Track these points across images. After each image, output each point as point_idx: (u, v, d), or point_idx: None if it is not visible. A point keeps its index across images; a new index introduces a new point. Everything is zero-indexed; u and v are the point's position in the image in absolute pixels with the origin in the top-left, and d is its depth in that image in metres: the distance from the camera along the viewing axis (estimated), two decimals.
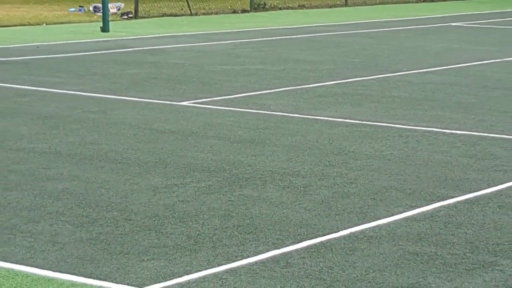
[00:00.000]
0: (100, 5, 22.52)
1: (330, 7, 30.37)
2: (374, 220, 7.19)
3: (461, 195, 7.93)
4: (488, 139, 10.23)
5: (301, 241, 6.67)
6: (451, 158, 9.31)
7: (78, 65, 15.86)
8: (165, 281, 5.86)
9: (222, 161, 9.04)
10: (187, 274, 5.98)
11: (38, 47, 18.30)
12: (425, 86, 13.99)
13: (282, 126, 10.80)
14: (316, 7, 30.11)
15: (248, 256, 6.33)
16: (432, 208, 7.55)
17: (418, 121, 11.14)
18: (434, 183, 8.34)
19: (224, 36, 21.06)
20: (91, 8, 26.32)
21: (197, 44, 19.36)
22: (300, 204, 7.61)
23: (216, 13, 27.12)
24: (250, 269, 6.10)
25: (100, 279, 5.88)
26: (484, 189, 8.15)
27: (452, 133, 10.49)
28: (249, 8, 28.13)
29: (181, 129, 10.52)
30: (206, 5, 27.91)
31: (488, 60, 17.23)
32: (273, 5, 29.18)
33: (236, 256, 6.33)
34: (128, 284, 5.79)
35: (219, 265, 6.15)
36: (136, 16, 25.20)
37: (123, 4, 26.75)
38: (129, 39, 20.04)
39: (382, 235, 6.85)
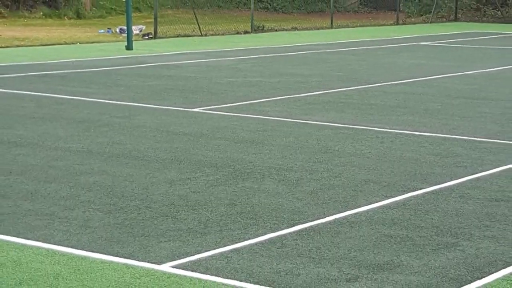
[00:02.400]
0: (125, 28, 22.53)
1: (318, 29, 30.41)
2: (355, 208, 7.20)
3: (428, 187, 7.95)
4: (450, 140, 10.25)
5: (293, 225, 6.68)
6: (420, 155, 9.32)
7: (106, 78, 15.88)
8: (180, 259, 5.87)
9: (227, 158, 9.05)
10: (198, 253, 5.99)
11: (73, 62, 18.31)
12: (398, 95, 14.01)
13: (277, 129, 10.81)
14: (307, 29, 30.15)
15: (250, 238, 6.34)
16: (404, 198, 7.57)
17: (392, 125, 11.15)
18: (405, 176, 8.35)
19: (229, 53, 21.08)
20: (117, 30, 26.37)
21: (207, 60, 19.38)
22: (293, 194, 7.62)
23: (223, 34, 27.15)
24: (251, 249, 6.11)
25: (125, 257, 5.90)
26: (447, 182, 8.17)
27: (420, 135, 10.50)
28: (250, 30, 28.17)
29: (193, 132, 10.54)
30: (214, 28, 27.96)
31: (450, 73, 17.24)
32: (270, 27, 29.22)
33: (239, 238, 6.34)
34: (148, 262, 5.81)
35: (225, 245, 6.17)
36: (155, 37, 25.23)
37: (144, 27, 26.82)
38: (149, 56, 20.06)
39: (361, 221, 6.86)
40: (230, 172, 8.42)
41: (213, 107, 12.48)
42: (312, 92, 14.26)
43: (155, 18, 25.67)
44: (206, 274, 5.60)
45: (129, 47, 21.44)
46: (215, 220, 6.81)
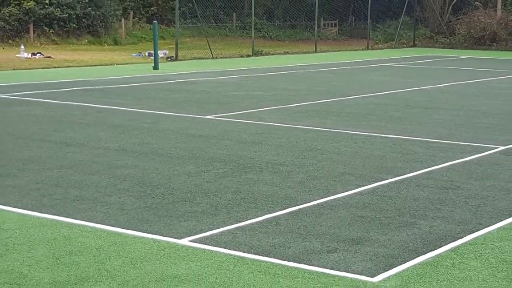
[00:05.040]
0: (153, 52, 22.58)
1: (305, 53, 30.43)
2: (334, 194, 7.21)
3: (392, 178, 7.96)
4: (409, 141, 10.26)
5: (285, 208, 6.69)
6: (385, 153, 9.33)
7: (137, 91, 15.89)
8: (196, 235, 5.88)
9: (233, 155, 9.06)
10: (210, 230, 6.00)
11: (111, 80, 18.32)
12: (368, 105, 14.01)
13: (273, 132, 10.82)
14: (296, 53, 30.18)
15: (251, 218, 6.35)
16: (373, 186, 7.58)
17: (363, 129, 11.15)
18: (374, 170, 8.36)
19: (234, 72, 21.09)
20: (146, 54, 26.39)
21: (217, 77, 19.40)
22: (285, 184, 7.63)
23: (230, 57, 27.17)
24: (252, 227, 6.12)
25: (152, 233, 5.90)
26: (407, 173, 8.18)
27: (386, 137, 10.51)
28: (251, 54, 28.20)
29: (206, 134, 10.54)
30: (223, 52, 27.99)
31: (409, 88, 17.25)
32: (267, 52, 29.25)
33: (242, 218, 6.35)
34: (171, 237, 5.82)
35: (231, 224, 6.17)
36: (176, 59, 25.26)
37: (168, 51, 26.87)
38: (172, 74, 20.08)
39: (339, 204, 6.87)
40: (235, 166, 8.43)
41: (221, 115, 12.48)
42: (300, 103, 14.27)
43: (176, 45, 25.74)
44: (216, 246, 5.61)
45: (155, 67, 21.49)
46: (224, 204, 6.82)
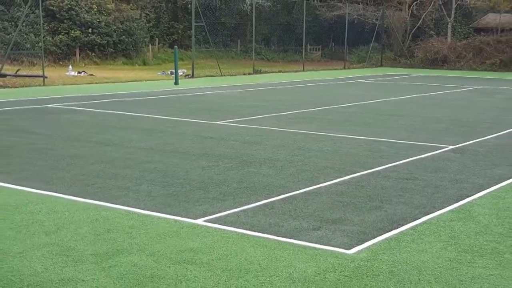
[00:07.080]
0: (174, 70, 22.59)
1: (295, 71, 30.42)
2: (318, 184, 7.22)
3: (364, 171, 7.96)
4: (378, 142, 10.26)
5: (279, 195, 6.70)
6: (358, 151, 9.34)
7: (161, 102, 15.89)
8: (208, 216, 5.89)
9: (238, 153, 9.07)
10: (219, 212, 6.01)
11: (141, 93, 18.31)
12: (345, 113, 14.01)
13: (269, 134, 10.82)
14: (288, 71, 30.15)
15: (252, 203, 6.35)
16: (349, 178, 7.58)
17: (341, 132, 11.16)
18: (349, 164, 8.36)
19: (239, 87, 21.08)
20: (169, 72, 26.40)
21: (225, 91, 19.39)
22: (279, 176, 7.63)
23: (235, 75, 27.16)
24: (252, 210, 6.13)
25: (173, 215, 5.92)
26: (375, 167, 8.18)
27: (359, 138, 10.51)
28: (252, 72, 28.19)
29: (216, 136, 10.55)
30: (229, 70, 27.98)
31: (378, 99, 17.25)
32: (265, 71, 29.24)
33: (245, 203, 6.35)
34: (188, 218, 5.83)
35: (236, 208, 6.18)
36: (192, 76, 25.26)
37: (186, 70, 26.86)
38: (189, 89, 20.07)
39: (322, 192, 6.87)
40: (240, 162, 8.44)
41: (229, 120, 12.49)
42: (291, 111, 14.26)
43: (193, 65, 25.74)
44: (225, 225, 5.61)
45: (176, 83, 21.49)
46: (230, 192, 6.83)
